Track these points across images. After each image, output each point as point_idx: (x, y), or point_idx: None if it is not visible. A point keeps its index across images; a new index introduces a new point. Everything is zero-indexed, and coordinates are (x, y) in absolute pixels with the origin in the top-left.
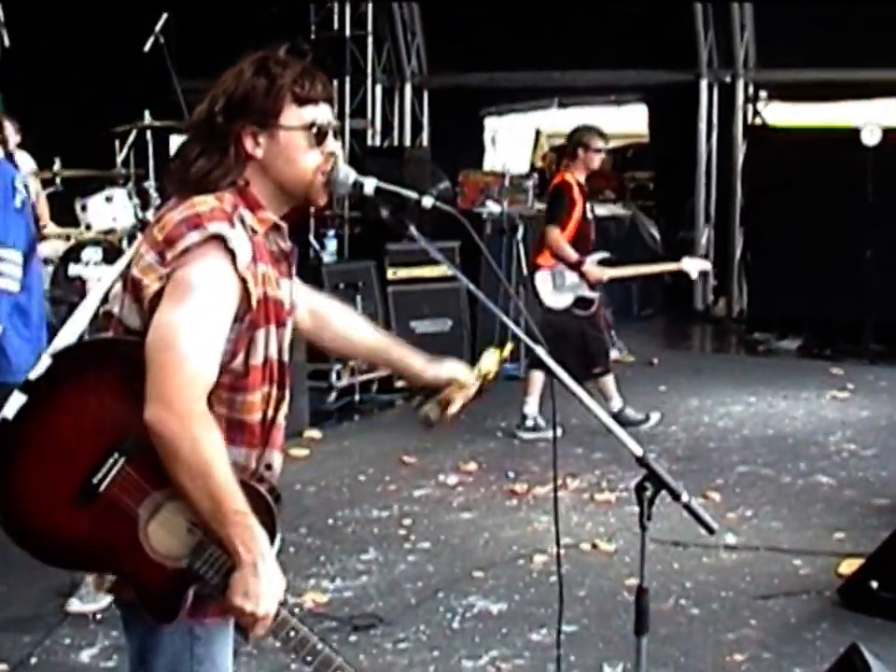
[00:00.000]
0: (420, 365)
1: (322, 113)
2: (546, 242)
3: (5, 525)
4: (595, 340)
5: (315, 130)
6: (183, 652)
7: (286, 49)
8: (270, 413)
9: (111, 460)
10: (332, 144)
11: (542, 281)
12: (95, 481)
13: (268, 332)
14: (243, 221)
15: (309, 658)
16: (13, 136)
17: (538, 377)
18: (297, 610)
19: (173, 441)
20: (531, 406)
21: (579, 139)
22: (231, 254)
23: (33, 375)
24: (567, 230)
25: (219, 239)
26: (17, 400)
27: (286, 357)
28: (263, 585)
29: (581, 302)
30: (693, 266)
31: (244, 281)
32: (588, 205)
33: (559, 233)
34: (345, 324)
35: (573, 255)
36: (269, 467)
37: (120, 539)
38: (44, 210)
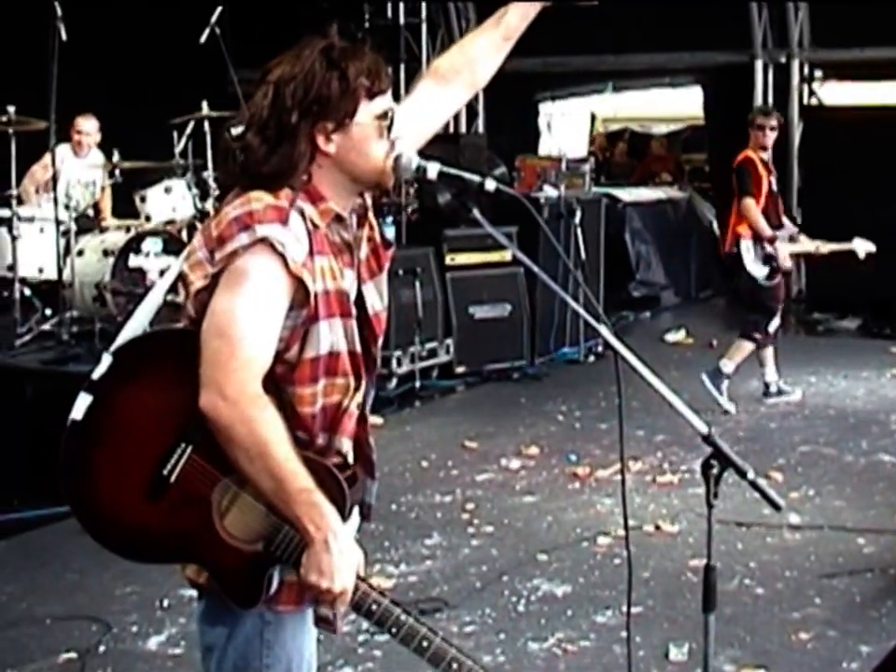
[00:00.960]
0: None
1: (388, 101)
2: (743, 212)
3: (84, 522)
4: (766, 309)
5: (386, 122)
6: (253, 637)
7: (347, 42)
8: (344, 401)
9: (178, 450)
10: (395, 129)
11: (746, 250)
12: (165, 472)
13: (331, 325)
14: (303, 214)
15: (394, 630)
16: (95, 134)
17: (760, 350)
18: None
19: (227, 426)
20: (770, 374)
21: (750, 120)
22: (281, 256)
23: (96, 374)
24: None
25: (268, 243)
26: (83, 401)
27: (357, 348)
28: (337, 561)
29: (771, 273)
30: (861, 247)
31: (297, 279)
32: (772, 179)
33: (755, 205)
34: (474, 51)
35: (767, 229)
36: (339, 453)
37: (196, 526)
38: (106, 204)
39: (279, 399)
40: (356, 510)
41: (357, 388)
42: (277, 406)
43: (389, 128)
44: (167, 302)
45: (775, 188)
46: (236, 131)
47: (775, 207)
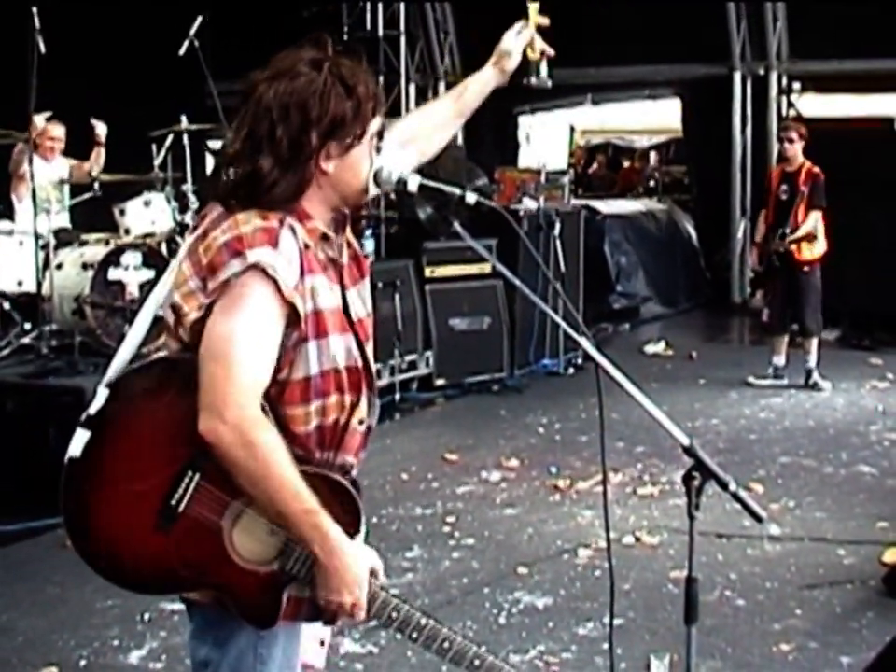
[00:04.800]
0: (491, 68)
1: (380, 119)
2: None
3: (91, 563)
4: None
5: (378, 141)
6: (247, 651)
7: (350, 56)
8: (342, 419)
9: (186, 478)
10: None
11: None
12: (174, 502)
13: (320, 345)
14: (294, 233)
15: (415, 635)
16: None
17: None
18: None
19: (228, 451)
20: (778, 359)
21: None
22: (273, 281)
23: (92, 409)
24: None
25: (259, 267)
26: (81, 437)
27: (358, 363)
28: (345, 576)
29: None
30: None
31: (289, 304)
32: (783, 187)
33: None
34: (430, 122)
35: (757, 236)
36: (342, 469)
37: (208, 554)
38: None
39: (274, 419)
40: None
41: (355, 405)
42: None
43: (379, 149)
44: (156, 322)
45: (784, 197)
46: (214, 145)
47: (782, 214)
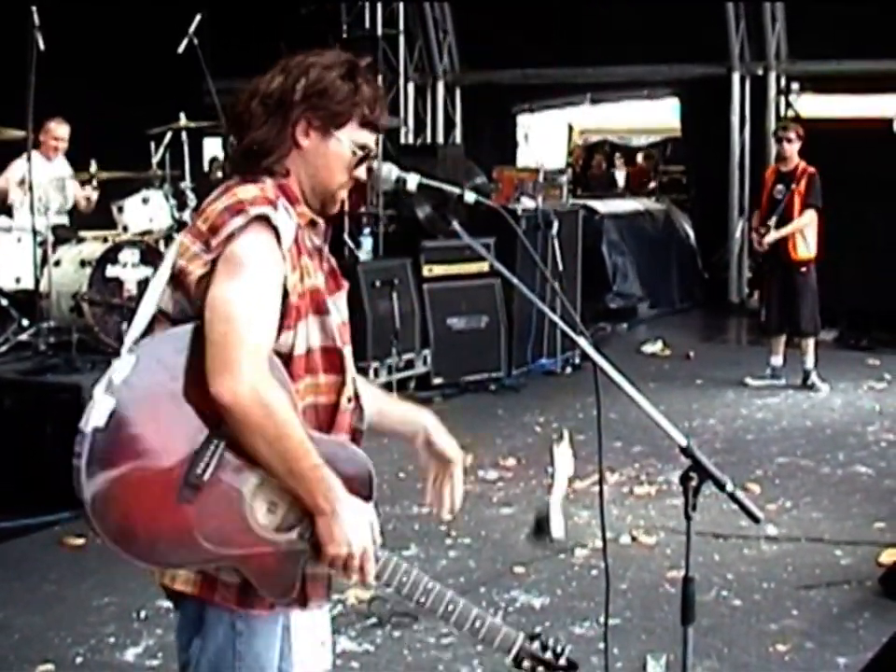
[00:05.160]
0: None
1: (373, 141)
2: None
3: (110, 535)
4: None
5: (361, 154)
6: (225, 648)
7: (369, 68)
8: (333, 398)
9: (211, 447)
10: (362, 170)
11: None
12: (199, 471)
13: (307, 324)
14: (288, 212)
15: (423, 599)
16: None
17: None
18: (339, 607)
19: (245, 411)
20: (776, 359)
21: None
22: (276, 231)
23: (118, 377)
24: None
25: (263, 219)
26: (105, 405)
27: (337, 343)
28: (347, 525)
29: None
30: None
31: (293, 268)
32: (778, 186)
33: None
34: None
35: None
36: None
37: (230, 523)
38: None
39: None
40: None
41: (343, 384)
42: None
43: (358, 164)
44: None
45: (778, 196)
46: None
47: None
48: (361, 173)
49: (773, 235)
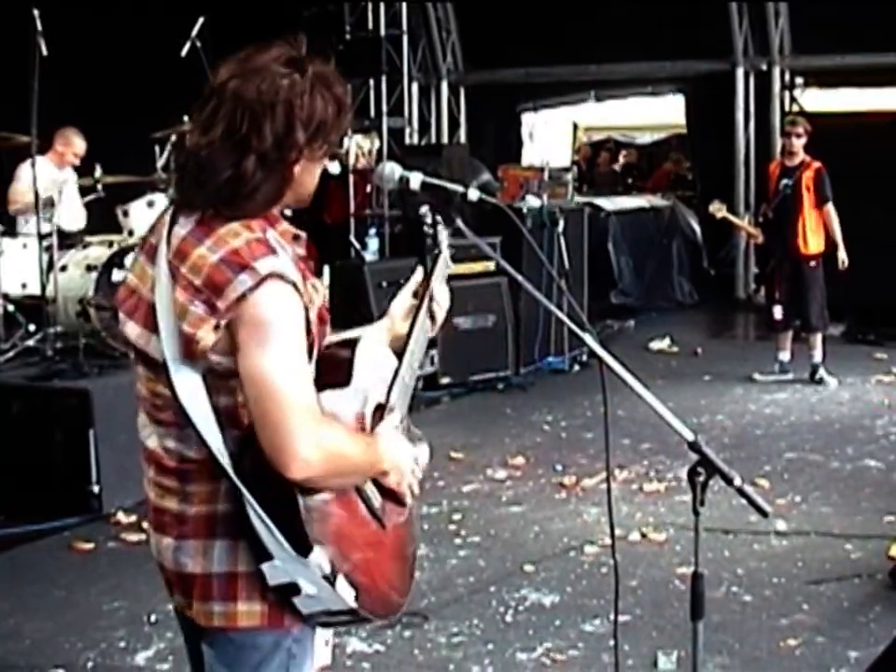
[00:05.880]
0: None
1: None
2: None
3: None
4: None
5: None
6: None
7: (335, 70)
8: None
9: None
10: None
11: None
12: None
13: (320, 338)
14: (279, 243)
15: None
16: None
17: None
18: None
19: (322, 474)
20: (783, 355)
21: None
22: (292, 283)
23: None
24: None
25: (274, 276)
26: None
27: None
28: (401, 462)
29: None
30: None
31: (306, 308)
32: (784, 181)
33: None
34: None
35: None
36: None
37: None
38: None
39: None
40: None
41: None
42: None
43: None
44: None
45: (786, 192)
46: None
47: (783, 208)
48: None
49: (842, 251)
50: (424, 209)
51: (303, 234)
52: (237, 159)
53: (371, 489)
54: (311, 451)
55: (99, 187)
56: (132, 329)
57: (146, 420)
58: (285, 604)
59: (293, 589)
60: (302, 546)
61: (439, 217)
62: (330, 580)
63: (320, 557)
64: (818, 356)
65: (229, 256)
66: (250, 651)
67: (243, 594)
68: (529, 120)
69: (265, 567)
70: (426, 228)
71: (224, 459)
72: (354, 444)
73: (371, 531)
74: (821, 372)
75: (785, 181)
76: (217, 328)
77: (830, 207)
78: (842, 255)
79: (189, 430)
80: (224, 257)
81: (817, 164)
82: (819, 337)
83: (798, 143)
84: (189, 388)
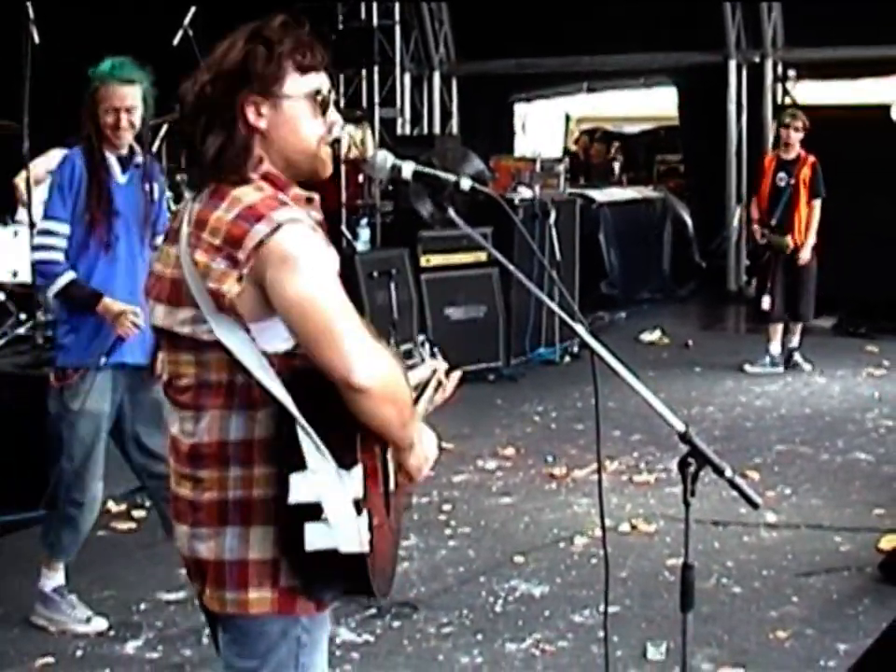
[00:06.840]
0: None
1: (324, 81)
2: None
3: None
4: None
5: (318, 98)
6: (288, 661)
7: (281, 20)
8: None
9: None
10: (334, 113)
11: None
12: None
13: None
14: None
15: None
16: None
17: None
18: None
19: (383, 387)
20: (775, 347)
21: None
22: (311, 228)
23: None
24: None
25: (291, 222)
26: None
27: None
28: (426, 445)
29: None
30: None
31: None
32: (780, 174)
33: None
34: None
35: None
36: None
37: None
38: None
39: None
40: None
41: None
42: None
43: (324, 110)
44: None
45: (781, 184)
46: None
47: (777, 201)
48: (334, 116)
49: (807, 249)
50: (421, 338)
51: (316, 196)
52: (206, 128)
53: (392, 469)
54: (373, 360)
55: None
56: (159, 313)
57: (170, 408)
58: (295, 590)
59: (312, 512)
60: (347, 459)
61: (436, 349)
62: (359, 507)
63: (360, 475)
64: (795, 340)
65: (244, 211)
66: (257, 639)
67: (254, 581)
68: (521, 111)
69: (294, 477)
70: (424, 355)
71: (272, 383)
72: (405, 384)
73: (382, 509)
74: (797, 357)
75: (781, 174)
76: (240, 279)
77: (818, 203)
78: (805, 253)
79: (203, 413)
80: (240, 213)
81: (812, 159)
82: (800, 325)
83: (796, 136)
84: (234, 337)
